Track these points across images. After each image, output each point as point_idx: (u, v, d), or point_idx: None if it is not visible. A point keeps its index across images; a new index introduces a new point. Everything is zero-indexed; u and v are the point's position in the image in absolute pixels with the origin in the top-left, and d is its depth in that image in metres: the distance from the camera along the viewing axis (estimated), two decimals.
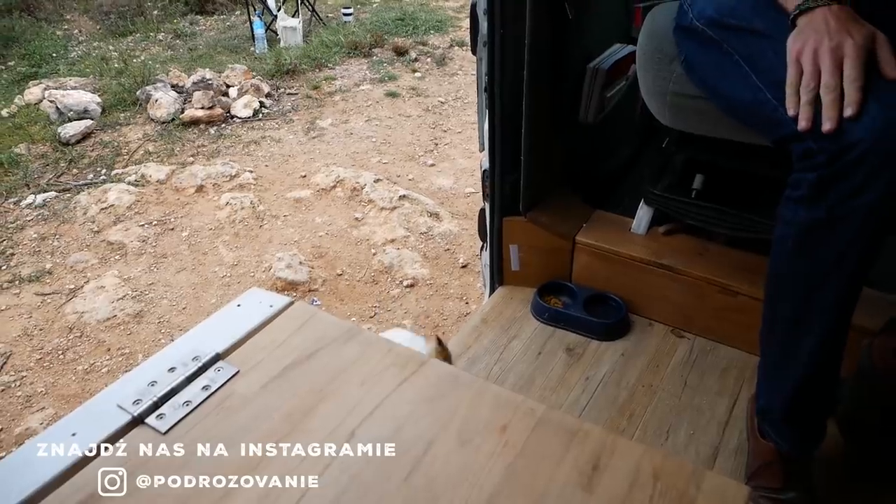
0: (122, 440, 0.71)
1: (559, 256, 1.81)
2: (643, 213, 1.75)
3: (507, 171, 1.71)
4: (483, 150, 1.75)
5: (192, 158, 3.94)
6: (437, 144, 4.00)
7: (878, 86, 0.87)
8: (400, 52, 5.55)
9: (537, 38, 1.50)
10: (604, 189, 1.99)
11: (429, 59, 5.46)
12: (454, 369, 0.81)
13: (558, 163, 1.80)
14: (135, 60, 5.44)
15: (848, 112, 0.86)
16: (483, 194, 1.83)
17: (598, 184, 1.99)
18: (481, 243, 1.96)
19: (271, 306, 0.90)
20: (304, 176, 3.70)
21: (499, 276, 1.90)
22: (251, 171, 3.73)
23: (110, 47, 5.90)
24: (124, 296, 2.79)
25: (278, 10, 6.09)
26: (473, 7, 1.60)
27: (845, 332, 1.02)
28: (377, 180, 3.46)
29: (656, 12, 1.44)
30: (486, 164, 1.75)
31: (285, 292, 2.75)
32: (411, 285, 2.75)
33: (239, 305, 0.91)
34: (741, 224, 1.64)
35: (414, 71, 5.25)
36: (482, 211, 1.88)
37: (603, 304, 1.76)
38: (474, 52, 1.66)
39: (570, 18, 1.52)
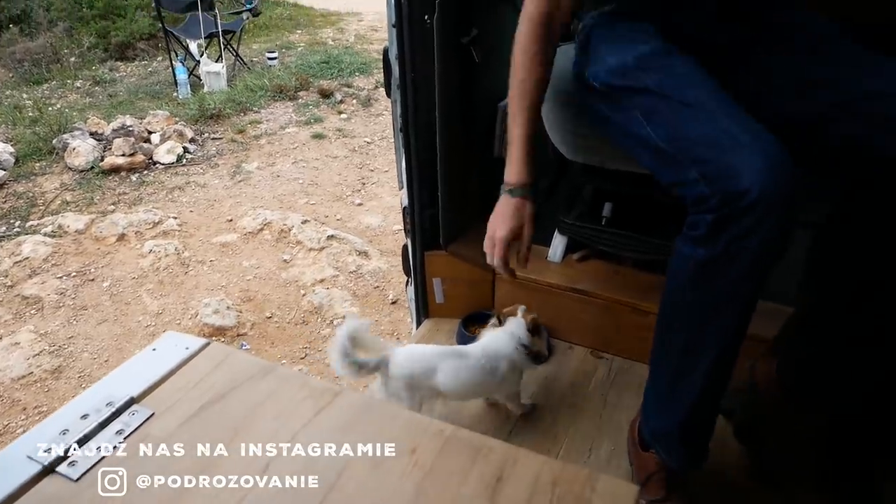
0: (32, 490, 0.71)
1: (481, 287, 1.87)
2: (558, 242, 1.84)
3: (425, 207, 1.77)
4: (402, 187, 1.81)
5: (112, 207, 3.85)
6: (364, 184, 4.05)
7: (762, 139, 0.97)
8: (325, 95, 5.61)
9: (447, 80, 1.58)
10: None
11: (354, 101, 5.54)
12: (367, 398, 0.84)
13: (476, 197, 1.87)
14: (50, 108, 5.30)
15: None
16: (405, 230, 1.88)
17: None
18: (406, 278, 2.00)
19: (187, 348, 0.91)
20: (231, 220, 3.67)
21: (424, 309, 1.94)
22: (175, 218, 3.68)
23: (24, 95, 5.73)
24: (41, 351, 2.68)
25: (201, 56, 6.07)
26: (386, 53, 1.67)
27: (735, 359, 1.11)
28: (305, 221, 3.47)
29: (556, 55, 1.54)
30: (406, 201, 1.80)
31: (213, 338, 2.70)
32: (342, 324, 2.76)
33: (154, 349, 0.91)
34: (647, 247, 1.75)
35: (340, 112, 5.31)
36: (405, 247, 1.93)
37: None
38: (389, 94, 1.73)
39: (478, 61, 1.60)
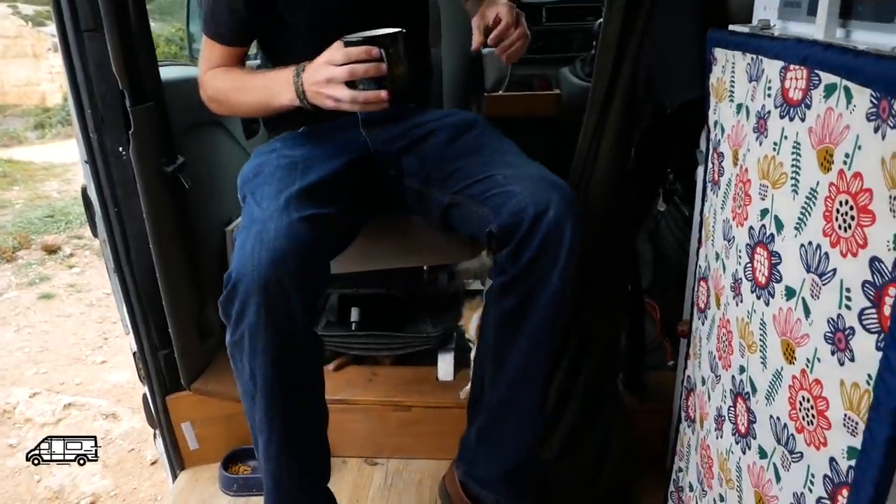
0: None
1: (239, 421, 1.72)
2: None
3: (157, 349, 1.62)
4: (128, 332, 1.65)
5: None
6: (106, 339, 3.65)
7: (268, 225, 1.06)
8: (52, 251, 5.06)
9: (157, 211, 1.50)
10: None
11: (87, 252, 5.07)
12: None
13: (214, 326, 1.76)
14: None
15: None
16: (139, 378, 1.70)
17: None
18: (153, 430, 1.79)
19: None
20: None
21: (178, 460, 1.74)
22: None
23: None
24: None
25: None
26: (84, 191, 1.56)
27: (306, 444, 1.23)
28: (34, 394, 3.00)
29: None
30: (135, 346, 1.64)
31: None
32: None
33: None
34: (399, 343, 1.78)
35: (71, 267, 4.81)
36: (145, 396, 1.74)
37: None
38: (95, 234, 1.60)
39: (188, 188, 1.55)
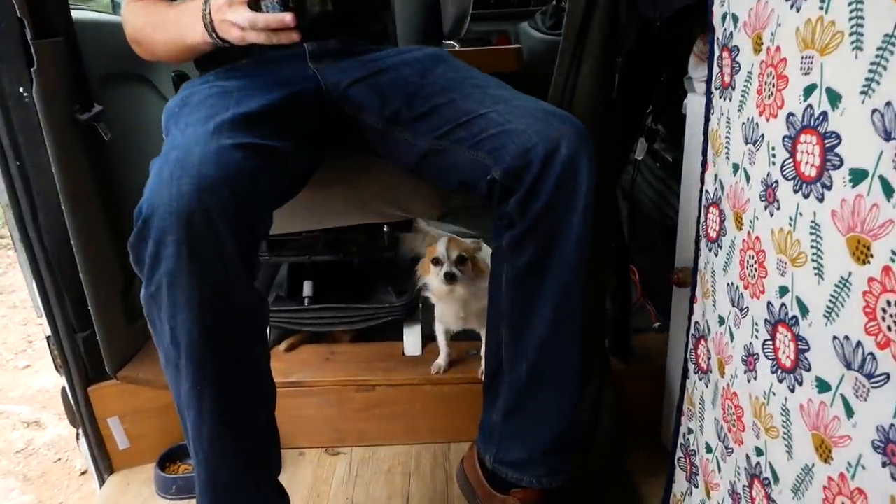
0: None
1: (175, 413, 1.52)
2: None
3: (75, 331, 1.39)
4: (41, 314, 1.41)
5: None
6: (31, 342, 3.31)
7: (183, 158, 0.85)
8: None
9: (70, 164, 1.28)
10: None
11: (10, 252, 4.66)
12: None
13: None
14: None
15: None
16: (55, 367, 1.46)
17: None
18: (76, 430, 1.55)
19: None
20: None
21: (105, 463, 1.51)
22: None
23: None
24: None
25: None
26: None
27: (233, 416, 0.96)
28: None
29: None
30: (49, 330, 1.41)
31: None
32: None
33: None
34: (358, 316, 1.60)
35: None
36: (63, 389, 1.50)
37: None
38: None
39: (108, 140, 1.33)
